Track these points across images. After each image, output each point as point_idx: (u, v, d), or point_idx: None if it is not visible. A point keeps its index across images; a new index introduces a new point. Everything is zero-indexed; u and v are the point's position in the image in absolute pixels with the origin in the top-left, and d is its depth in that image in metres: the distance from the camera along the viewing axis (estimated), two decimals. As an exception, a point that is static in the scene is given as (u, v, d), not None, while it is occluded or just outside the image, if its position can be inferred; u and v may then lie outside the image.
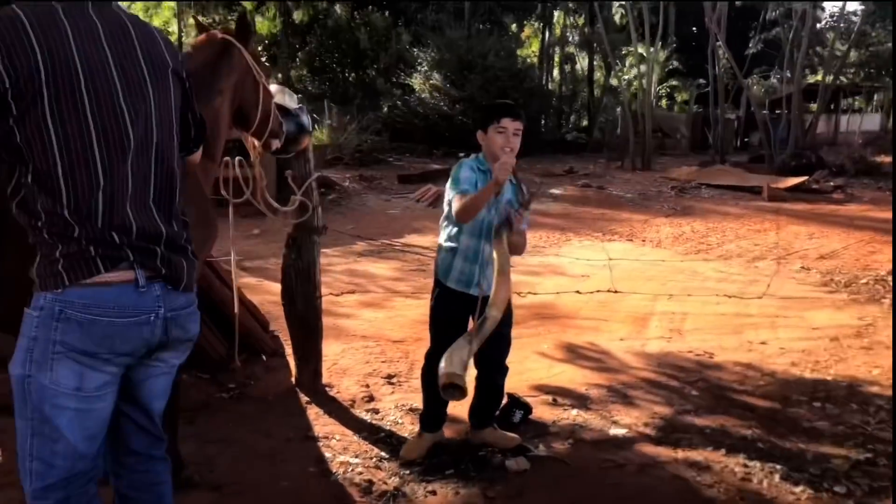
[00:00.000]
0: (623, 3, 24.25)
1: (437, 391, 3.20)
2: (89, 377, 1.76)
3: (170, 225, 1.86)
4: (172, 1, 33.76)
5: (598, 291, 5.21)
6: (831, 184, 16.11)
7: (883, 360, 4.89)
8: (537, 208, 13.20)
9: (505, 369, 3.53)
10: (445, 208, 3.33)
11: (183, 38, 33.61)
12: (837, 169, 18.18)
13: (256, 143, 3.52)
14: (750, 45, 21.52)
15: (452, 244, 3.32)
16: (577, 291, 4.92)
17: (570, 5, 33.81)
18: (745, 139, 32.53)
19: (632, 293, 6.10)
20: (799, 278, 7.71)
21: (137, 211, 1.80)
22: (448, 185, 3.26)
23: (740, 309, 6.17)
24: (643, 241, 10.20)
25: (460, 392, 2.81)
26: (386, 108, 28.60)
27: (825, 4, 34.41)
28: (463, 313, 3.32)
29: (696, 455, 3.41)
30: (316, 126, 23.87)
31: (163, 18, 39.16)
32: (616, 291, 4.83)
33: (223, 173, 3.91)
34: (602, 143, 26.49)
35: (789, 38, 19.96)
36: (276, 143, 3.56)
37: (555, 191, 15.29)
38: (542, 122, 35.96)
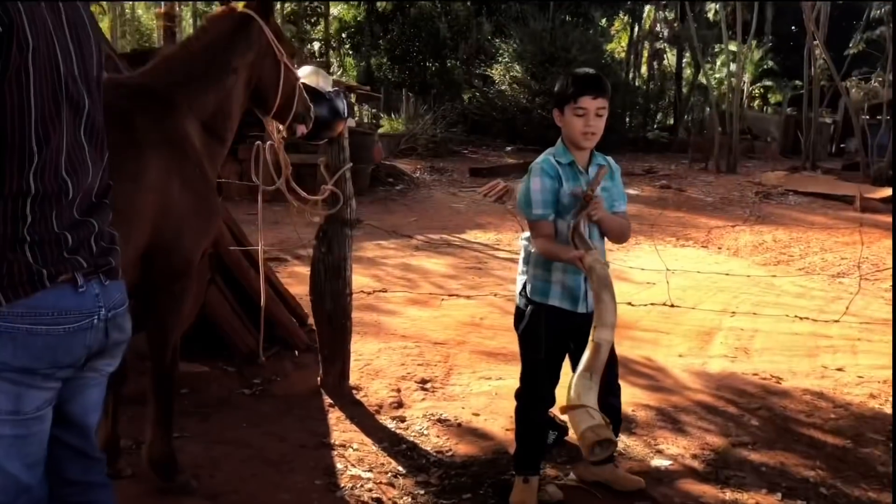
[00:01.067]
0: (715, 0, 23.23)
1: (537, 433, 2.95)
2: (27, 398, 1.51)
3: (98, 214, 1.61)
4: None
5: (652, 304, 4.79)
6: (932, 196, 14.99)
7: (977, 398, 4.34)
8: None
9: (618, 389, 3.09)
10: (523, 228, 2.92)
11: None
12: (941, 179, 16.94)
13: (280, 127, 3.30)
14: (850, 45, 20.26)
15: (545, 258, 2.79)
16: (630, 303, 4.52)
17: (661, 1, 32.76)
18: (842, 145, 30.88)
19: (693, 308, 5.65)
20: (888, 298, 7.07)
21: None
22: (519, 197, 2.84)
23: (818, 329, 5.64)
24: (719, 248, 9.63)
25: (609, 444, 2.45)
26: (465, 99, 28.35)
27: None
28: (565, 329, 2.84)
29: (747, 498, 3.01)
30: (393, 115, 23.87)
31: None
32: (673, 305, 4.41)
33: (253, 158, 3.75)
34: (687, 144, 25.52)
35: (893, 36, 18.68)
36: (301, 129, 3.31)
37: (631, 191, 14.69)
38: (627, 119, 35.14)
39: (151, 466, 2.80)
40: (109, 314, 1.59)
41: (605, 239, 2.91)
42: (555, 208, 2.75)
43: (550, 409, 3.34)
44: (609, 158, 2.91)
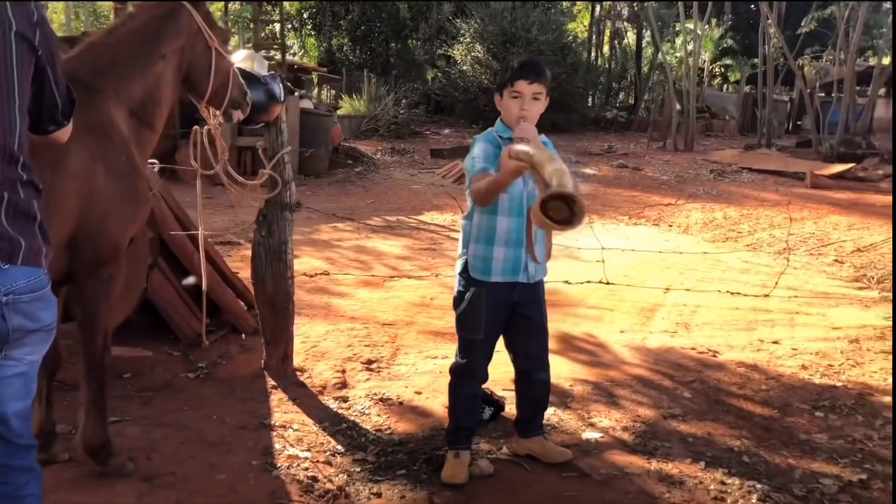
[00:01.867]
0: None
1: (469, 408, 3.02)
2: None
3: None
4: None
5: (588, 282, 4.89)
6: (880, 172, 15.35)
7: (903, 367, 4.52)
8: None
9: (547, 363, 3.14)
10: (468, 198, 2.93)
11: (229, 5, 33.67)
12: (889, 156, 17.34)
13: (216, 112, 3.31)
14: (803, 23, 20.56)
15: (487, 232, 2.85)
16: (567, 282, 4.62)
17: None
18: (798, 122, 31.43)
19: (628, 285, 5.76)
20: (829, 272, 7.29)
21: None
22: (465, 165, 2.88)
23: (758, 303, 5.81)
24: (670, 226, 9.80)
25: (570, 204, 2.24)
26: (427, 80, 28.27)
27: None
28: (503, 307, 2.91)
29: (671, 468, 3.13)
30: (354, 96, 23.75)
31: (211, -16, 39.27)
32: (608, 283, 4.51)
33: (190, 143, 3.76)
34: (647, 123, 25.77)
35: (845, 17, 18.99)
36: (238, 114, 3.34)
37: (588, 170, 14.89)
38: (590, 98, 35.28)
39: (86, 451, 2.83)
40: (5, 299, 1.61)
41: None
42: (496, 168, 2.76)
43: (486, 386, 3.44)
44: (546, 138, 2.97)
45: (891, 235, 9.32)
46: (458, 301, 2.95)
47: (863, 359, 4.69)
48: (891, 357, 4.74)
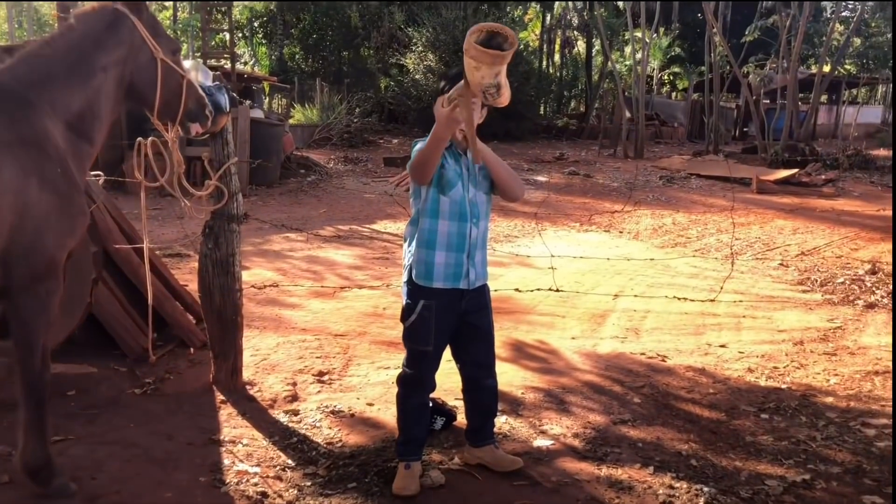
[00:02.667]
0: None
1: (418, 419, 3.02)
2: None
3: None
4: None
5: (538, 290, 4.92)
6: (822, 177, 15.79)
7: (843, 368, 4.65)
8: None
9: (494, 370, 3.14)
10: (413, 205, 2.94)
11: (178, 14, 33.25)
12: (831, 162, 17.85)
13: (170, 125, 3.24)
14: (746, 32, 21.08)
15: (429, 236, 2.86)
16: (517, 290, 4.64)
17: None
18: (745, 129, 32.18)
19: (577, 292, 5.82)
20: (775, 276, 7.46)
21: None
22: (410, 164, 2.85)
23: (706, 308, 5.90)
24: (621, 232, 9.92)
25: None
26: (381, 88, 28.23)
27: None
28: (452, 316, 2.92)
29: (621, 473, 3.16)
30: (307, 105, 23.60)
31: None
32: (558, 290, 4.55)
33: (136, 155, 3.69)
34: (598, 130, 26.10)
35: (786, 26, 19.52)
36: (195, 127, 3.26)
37: (539, 178, 15.00)
38: (542, 107, 35.59)
39: (26, 473, 2.75)
40: None
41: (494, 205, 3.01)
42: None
43: (438, 396, 3.44)
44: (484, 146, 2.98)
45: (833, 239, 9.61)
46: (407, 313, 2.93)
47: (807, 360, 4.80)
48: (833, 358, 4.87)
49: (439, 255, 2.85)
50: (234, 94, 4.09)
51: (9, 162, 2.38)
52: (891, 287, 6.71)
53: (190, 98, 3.13)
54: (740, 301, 5.97)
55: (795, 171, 15.77)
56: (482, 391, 3.11)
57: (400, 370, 3.07)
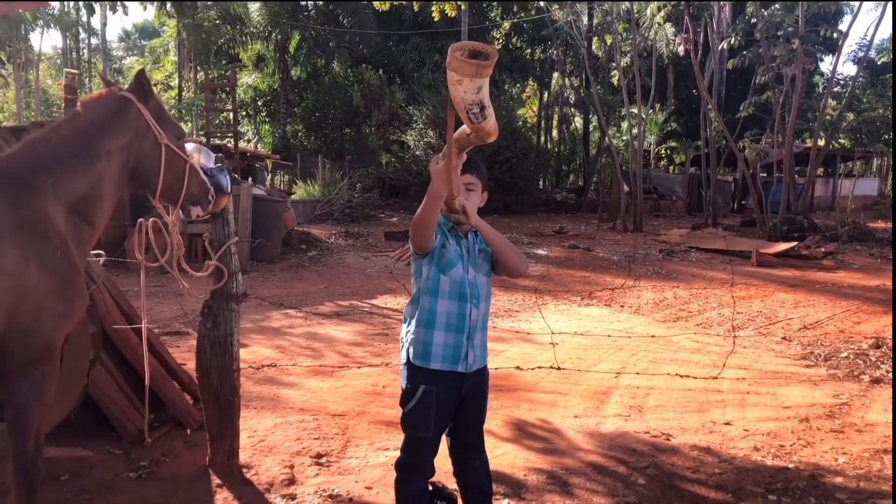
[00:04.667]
0: (619, 66, 24.37)
1: (415, 502, 2.92)
2: None
3: None
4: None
5: (539, 368, 4.88)
6: (822, 250, 15.84)
7: (852, 446, 4.56)
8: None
9: (483, 448, 3.08)
10: (414, 284, 2.92)
11: (183, 94, 34.02)
12: (830, 234, 17.93)
13: (171, 208, 3.27)
14: (741, 108, 21.50)
15: (429, 315, 2.82)
16: (518, 367, 4.60)
17: (567, 67, 34.13)
18: (743, 202, 32.51)
19: (578, 370, 5.76)
20: (778, 350, 7.39)
21: None
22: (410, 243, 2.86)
23: (709, 384, 5.85)
24: (622, 306, 9.89)
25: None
26: (382, 164, 28.65)
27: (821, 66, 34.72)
28: (453, 399, 2.86)
29: (627, 560, 3.06)
30: (309, 181, 23.91)
31: (165, 73, 39.78)
32: (559, 368, 4.51)
33: (138, 236, 3.72)
34: (596, 204, 26.37)
35: (780, 101, 19.92)
36: (197, 211, 3.28)
37: (540, 251, 15.03)
38: (541, 181, 36.06)
39: (14, 563, 2.66)
40: None
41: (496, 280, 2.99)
42: (440, 233, 2.80)
43: (438, 479, 3.36)
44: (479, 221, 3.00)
45: (835, 312, 9.56)
46: (406, 397, 2.88)
47: (813, 438, 4.72)
48: (840, 435, 4.79)
49: (438, 335, 2.82)
50: (236, 175, 4.13)
51: (9, 246, 2.39)
52: None
53: (192, 182, 3.17)
54: (744, 378, 5.90)
55: (794, 244, 15.84)
56: (473, 471, 3.04)
57: (398, 455, 3.00)
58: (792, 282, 12.30)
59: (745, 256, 15.18)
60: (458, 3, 10.18)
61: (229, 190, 3.73)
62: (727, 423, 5.00)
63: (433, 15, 10.27)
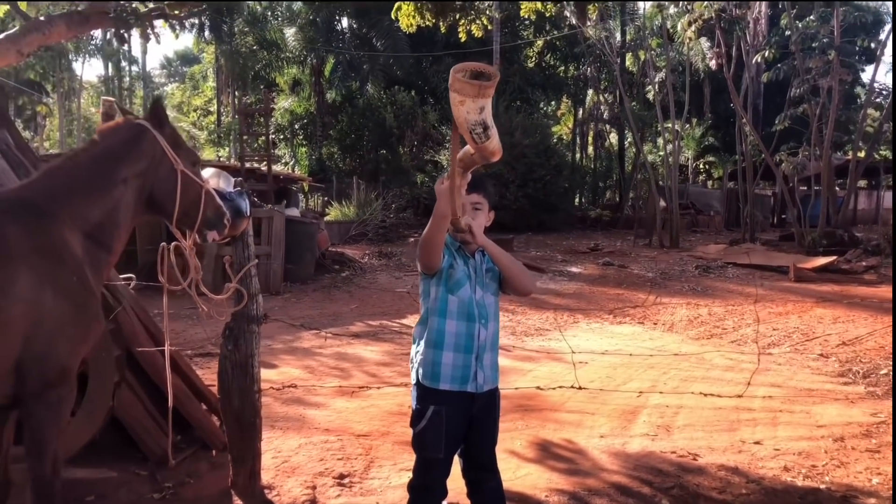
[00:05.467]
0: (652, 81, 24.24)
1: None
2: None
3: None
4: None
5: (560, 387, 4.83)
6: (863, 264, 15.48)
7: (887, 466, 4.42)
8: (549, 287, 12.88)
9: (496, 469, 3.04)
10: (422, 304, 2.92)
11: (222, 118, 34.63)
12: (872, 248, 17.53)
13: (188, 233, 3.32)
14: (777, 121, 21.21)
15: (437, 336, 2.83)
16: (539, 388, 4.56)
17: (601, 84, 34.05)
18: (783, 216, 31.97)
19: (600, 389, 5.69)
20: (814, 367, 7.23)
21: None
22: (417, 264, 2.87)
23: (741, 402, 5.73)
24: (655, 323, 9.77)
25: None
26: (417, 183, 28.80)
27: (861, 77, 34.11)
28: (462, 422, 2.86)
29: (646, 583, 3.01)
30: (343, 202, 24.13)
31: (204, 98, 40.59)
32: (581, 388, 4.46)
33: (161, 258, 3.78)
34: (632, 220, 26.17)
35: (817, 114, 19.61)
36: (213, 235, 3.33)
37: (573, 269, 14.94)
38: (577, 198, 35.91)
39: (32, 585, 2.70)
40: None
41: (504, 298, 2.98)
42: (448, 253, 2.80)
43: (458, 502, 3.34)
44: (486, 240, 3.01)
45: (875, 328, 9.33)
46: (416, 419, 2.87)
47: (848, 458, 4.60)
48: (876, 455, 4.66)
49: (447, 355, 2.81)
50: (255, 198, 4.19)
51: (24, 271, 2.45)
52: (936, 378, 6.46)
53: (208, 207, 3.21)
54: (771, 395, 5.78)
55: (834, 258, 15.51)
56: (486, 493, 3.01)
57: (410, 477, 3.00)
58: (831, 297, 12.03)
59: (783, 272, 14.91)
60: (484, 23, 10.23)
61: (248, 213, 3.78)
62: (757, 443, 4.89)
63: (460, 36, 10.35)
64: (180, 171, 3.07)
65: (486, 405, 2.89)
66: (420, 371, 2.87)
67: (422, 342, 2.90)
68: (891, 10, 21.50)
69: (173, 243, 3.82)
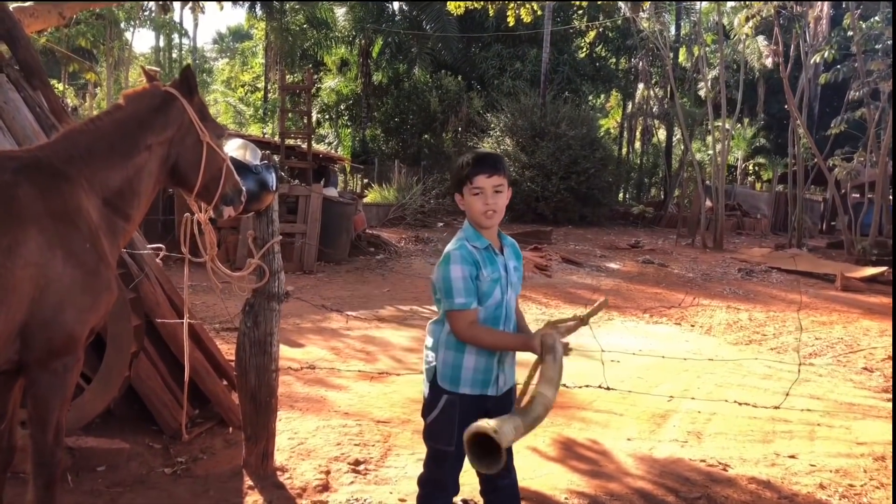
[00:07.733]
0: (705, 78, 23.66)
1: None
2: None
3: None
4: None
5: (587, 386, 4.65)
6: (915, 276, 14.94)
7: (930, 491, 4.18)
8: (585, 282, 12.65)
9: (512, 467, 2.91)
10: (441, 304, 2.69)
11: (269, 95, 34.80)
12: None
13: (205, 206, 3.22)
14: (832, 125, 20.56)
15: (458, 340, 2.64)
16: (565, 385, 4.37)
17: (652, 78, 33.42)
18: (832, 223, 31.14)
19: (629, 391, 5.49)
20: (857, 381, 6.94)
21: None
22: (436, 283, 2.66)
23: (777, 413, 5.49)
24: (692, 325, 9.51)
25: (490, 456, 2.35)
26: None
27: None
28: (477, 416, 2.65)
29: None
30: (384, 184, 24.08)
31: (253, 74, 40.82)
32: (609, 388, 4.27)
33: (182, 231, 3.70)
34: (676, 219, 25.69)
35: (875, 119, 18.95)
36: (229, 211, 3.22)
37: (612, 265, 14.67)
38: (621, 193, 35.41)
39: (28, 556, 2.64)
40: None
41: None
42: (476, 296, 2.62)
43: (471, 498, 3.21)
44: (513, 240, 2.86)
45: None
46: (428, 408, 2.74)
47: (888, 479, 4.35)
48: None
49: (469, 358, 2.65)
50: (282, 173, 4.08)
51: (34, 233, 2.37)
52: None
53: (228, 182, 3.11)
54: (810, 408, 5.53)
55: (884, 269, 14.99)
56: (501, 491, 2.87)
57: (421, 470, 2.87)
58: (879, 309, 11.61)
59: (829, 280, 14.47)
60: (533, 9, 10.00)
61: (275, 188, 3.68)
62: (792, 457, 4.67)
63: (508, 20, 10.13)
64: (206, 142, 2.97)
65: (501, 400, 2.75)
66: (439, 372, 2.71)
67: (441, 343, 2.74)
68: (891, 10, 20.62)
69: (195, 216, 3.74)
